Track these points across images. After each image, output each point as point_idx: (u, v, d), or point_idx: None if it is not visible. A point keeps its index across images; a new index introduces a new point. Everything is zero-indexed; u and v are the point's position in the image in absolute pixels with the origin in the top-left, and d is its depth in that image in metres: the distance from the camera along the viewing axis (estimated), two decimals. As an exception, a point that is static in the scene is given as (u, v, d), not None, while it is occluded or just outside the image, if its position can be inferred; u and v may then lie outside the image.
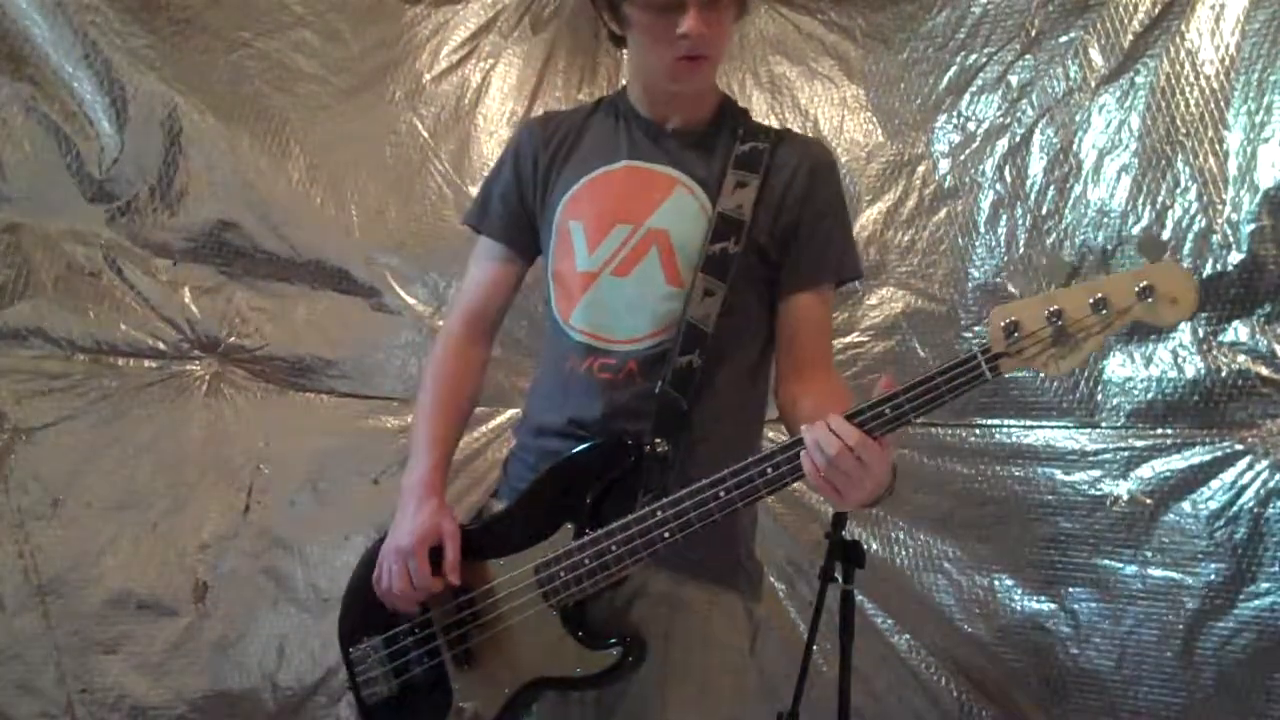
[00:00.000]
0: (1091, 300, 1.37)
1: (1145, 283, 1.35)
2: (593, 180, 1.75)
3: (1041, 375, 2.80)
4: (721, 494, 1.51)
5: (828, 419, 1.45)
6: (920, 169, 3.04)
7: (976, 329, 2.93)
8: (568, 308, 1.72)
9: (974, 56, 2.95)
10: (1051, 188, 2.82)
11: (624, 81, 1.88)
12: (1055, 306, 1.37)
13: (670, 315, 1.68)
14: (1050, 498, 2.80)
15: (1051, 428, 2.81)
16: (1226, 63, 2.55)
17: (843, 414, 1.46)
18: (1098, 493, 2.73)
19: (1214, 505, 2.58)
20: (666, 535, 1.54)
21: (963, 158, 2.97)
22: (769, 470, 1.50)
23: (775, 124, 3.24)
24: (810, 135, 1.77)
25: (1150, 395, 2.67)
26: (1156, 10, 2.64)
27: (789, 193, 1.72)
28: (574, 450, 1.66)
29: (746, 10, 1.82)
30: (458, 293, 1.90)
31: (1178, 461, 2.62)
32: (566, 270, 1.74)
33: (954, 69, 2.98)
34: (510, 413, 3.14)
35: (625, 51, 1.81)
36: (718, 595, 1.70)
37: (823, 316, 1.77)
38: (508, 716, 1.67)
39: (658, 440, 1.62)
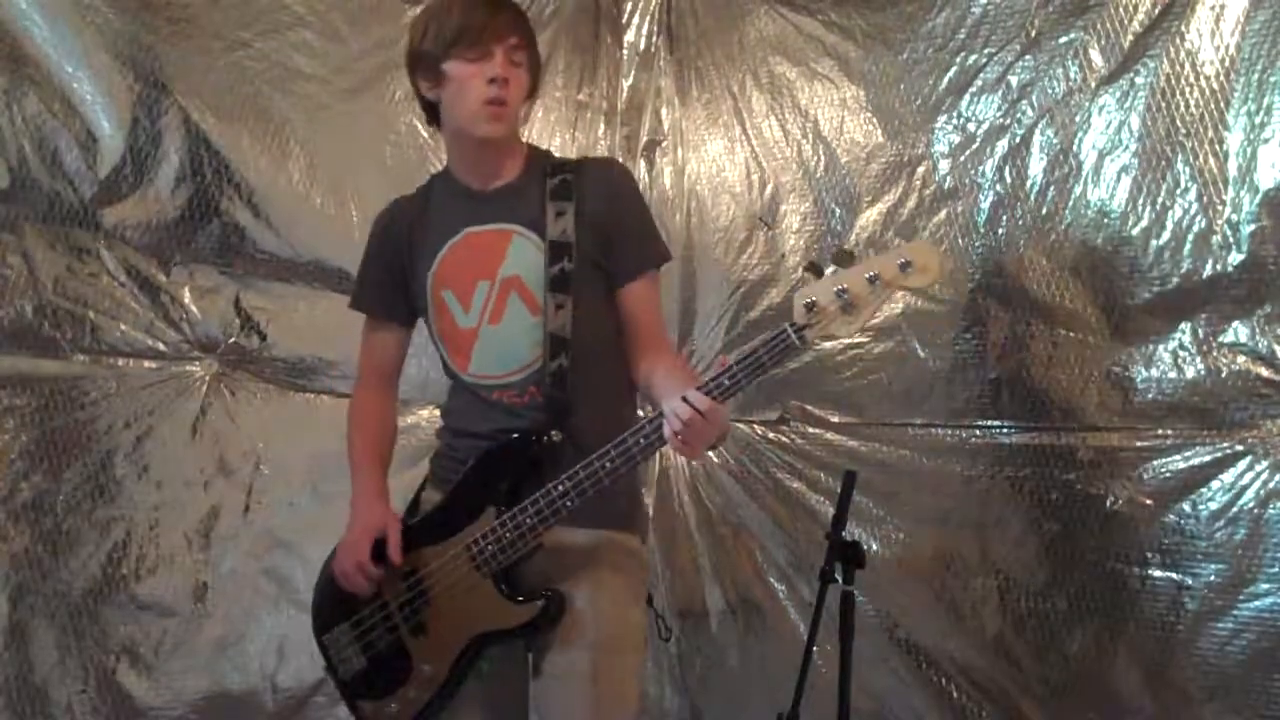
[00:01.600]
0: (868, 276, 1.76)
1: (904, 259, 1.76)
2: (447, 253, 2.10)
3: (1042, 376, 2.81)
4: (608, 464, 1.89)
5: (685, 394, 1.78)
6: (920, 170, 3.04)
7: (976, 329, 2.94)
8: (464, 362, 2.10)
9: (974, 57, 2.95)
10: (1051, 188, 2.82)
11: (444, 163, 2.21)
12: (843, 285, 1.76)
13: (539, 340, 2.05)
14: (1050, 498, 2.80)
15: (1051, 428, 2.82)
16: (1226, 63, 2.55)
17: (693, 386, 1.80)
18: (1098, 493, 2.73)
19: (1214, 506, 2.58)
20: (569, 504, 1.92)
21: (963, 158, 2.97)
22: (641, 440, 1.87)
23: (775, 126, 3.29)
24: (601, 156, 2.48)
25: (1150, 395, 2.67)
26: (1156, 11, 2.64)
27: (598, 208, 2.07)
28: (488, 450, 2.05)
29: (535, 94, 2.18)
30: (362, 356, 2.32)
31: (1178, 462, 2.62)
32: (450, 330, 2.11)
33: (954, 69, 2.98)
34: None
35: (440, 129, 2.15)
36: (614, 538, 2.09)
37: (651, 300, 2.14)
38: (458, 669, 2.03)
39: (552, 431, 2.00)
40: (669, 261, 2.26)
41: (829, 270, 1.78)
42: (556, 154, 2.22)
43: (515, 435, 2.03)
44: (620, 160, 3.70)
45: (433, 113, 2.13)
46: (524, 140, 2.20)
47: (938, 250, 1.83)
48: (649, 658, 3.60)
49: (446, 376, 2.21)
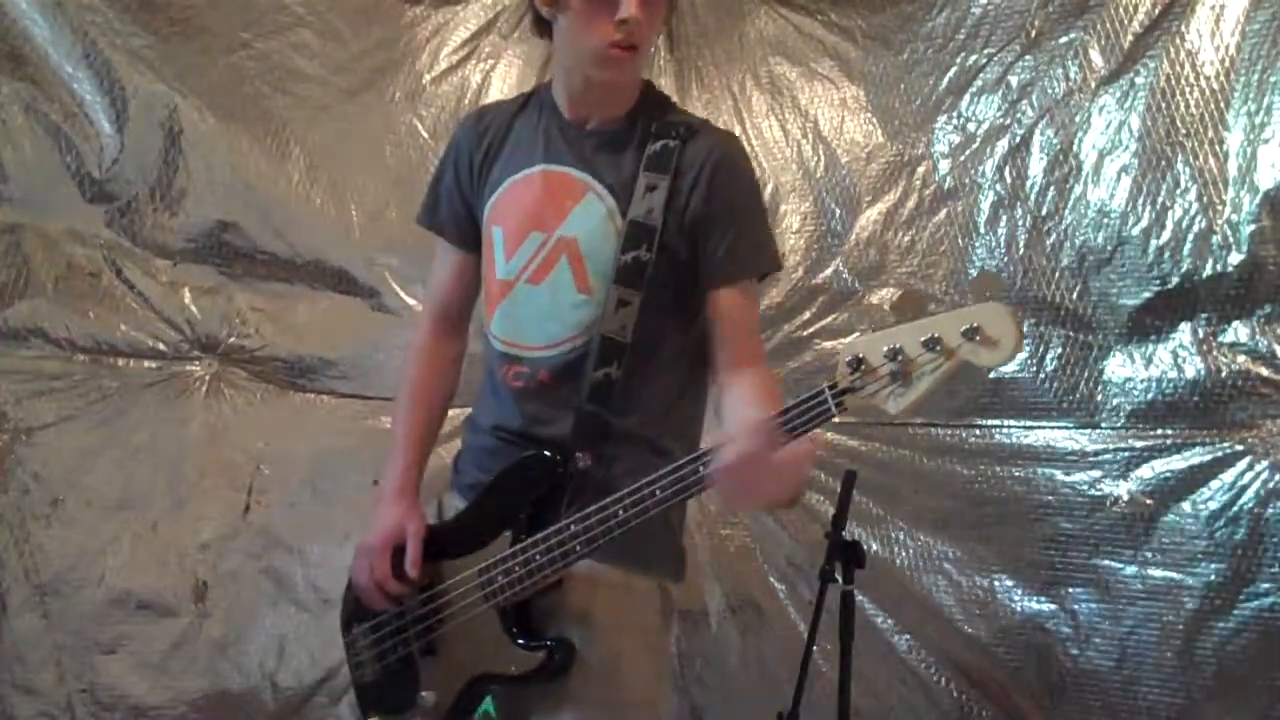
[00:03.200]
0: (925, 339, 1.36)
1: (972, 324, 1.33)
2: (513, 184, 1.77)
3: (1042, 377, 2.81)
4: (620, 513, 1.56)
5: (729, 439, 1.48)
6: (920, 169, 3.04)
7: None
8: (489, 314, 1.79)
9: (974, 57, 2.95)
10: (1051, 188, 2.82)
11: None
12: (897, 344, 1.37)
13: (579, 323, 1.70)
14: (1050, 498, 2.80)
15: (1051, 428, 2.81)
16: (1226, 63, 2.55)
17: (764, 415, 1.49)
18: (1098, 493, 2.73)
19: (1214, 505, 2.58)
20: (578, 549, 1.60)
21: (963, 158, 2.97)
22: (657, 492, 1.54)
23: (775, 126, 3.29)
24: (722, 129, 1.84)
25: (1150, 395, 2.67)
26: (1156, 11, 2.64)
27: (695, 190, 1.70)
28: (510, 464, 1.73)
29: (675, 7, 1.82)
30: (427, 287, 1.95)
31: (1178, 462, 2.62)
32: (489, 276, 1.79)
33: (954, 69, 2.98)
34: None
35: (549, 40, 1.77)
36: (631, 580, 1.74)
37: (743, 311, 1.74)
38: (461, 707, 1.74)
39: (579, 455, 1.67)
40: (777, 272, 1.94)
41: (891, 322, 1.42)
42: (666, 106, 1.81)
43: (537, 452, 1.71)
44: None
45: (543, 25, 1.75)
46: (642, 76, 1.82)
47: (1015, 318, 1.32)
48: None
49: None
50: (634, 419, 1.70)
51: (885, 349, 1.38)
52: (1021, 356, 2.86)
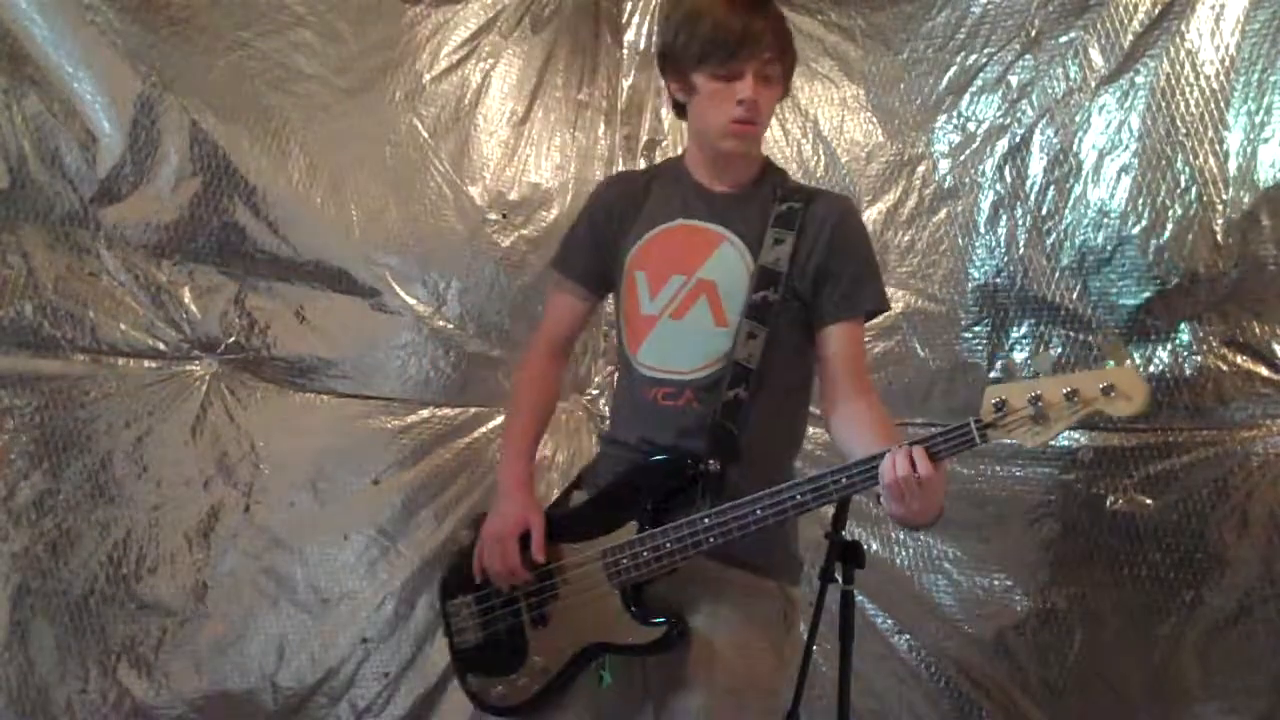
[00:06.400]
0: (1065, 391, 1.68)
1: (1108, 383, 1.66)
2: (654, 236, 2.08)
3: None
4: (758, 511, 1.85)
5: (908, 448, 1.73)
6: (920, 169, 3.04)
7: (975, 329, 2.93)
8: (636, 345, 2.07)
9: (974, 57, 2.95)
10: (1051, 188, 2.82)
11: (681, 150, 2.21)
12: (1037, 392, 1.69)
13: (718, 351, 2.00)
14: (1050, 498, 2.80)
15: (1051, 428, 2.81)
16: (1226, 63, 2.55)
17: (908, 444, 1.74)
18: (1097, 493, 2.73)
19: (1214, 505, 2.58)
20: (711, 540, 1.88)
21: (963, 158, 2.97)
22: (797, 496, 1.82)
23: (775, 125, 3.29)
24: (837, 192, 2.36)
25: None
26: (1156, 10, 2.64)
27: (819, 243, 2.01)
28: (644, 463, 2.02)
29: (788, 92, 2.12)
30: (544, 321, 2.28)
31: (1178, 462, 2.62)
32: (633, 313, 2.08)
33: (954, 69, 2.98)
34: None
35: (685, 121, 2.12)
36: (757, 583, 2.04)
37: (853, 345, 2.06)
38: (570, 670, 2.02)
39: (711, 460, 1.94)
40: (885, 313, 2.20)
41: (1024, 373, 1.72)
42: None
43: (670, 455, 1.99)
44: (620, 161, 3.70)
45: (679, 107, 2.10)
46: (761, 153, 2.16)
47: (1142, 379, 1.68)
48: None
49: (618, 369, 2.20)
50: (755, 435, 1.99)
51: (1029, 396, 1.69)
52: (1021, 356, 2.86)
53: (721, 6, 1.96)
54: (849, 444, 1.93)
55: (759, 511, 1.84)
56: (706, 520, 1.88)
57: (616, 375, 2.20)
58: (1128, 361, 1.69)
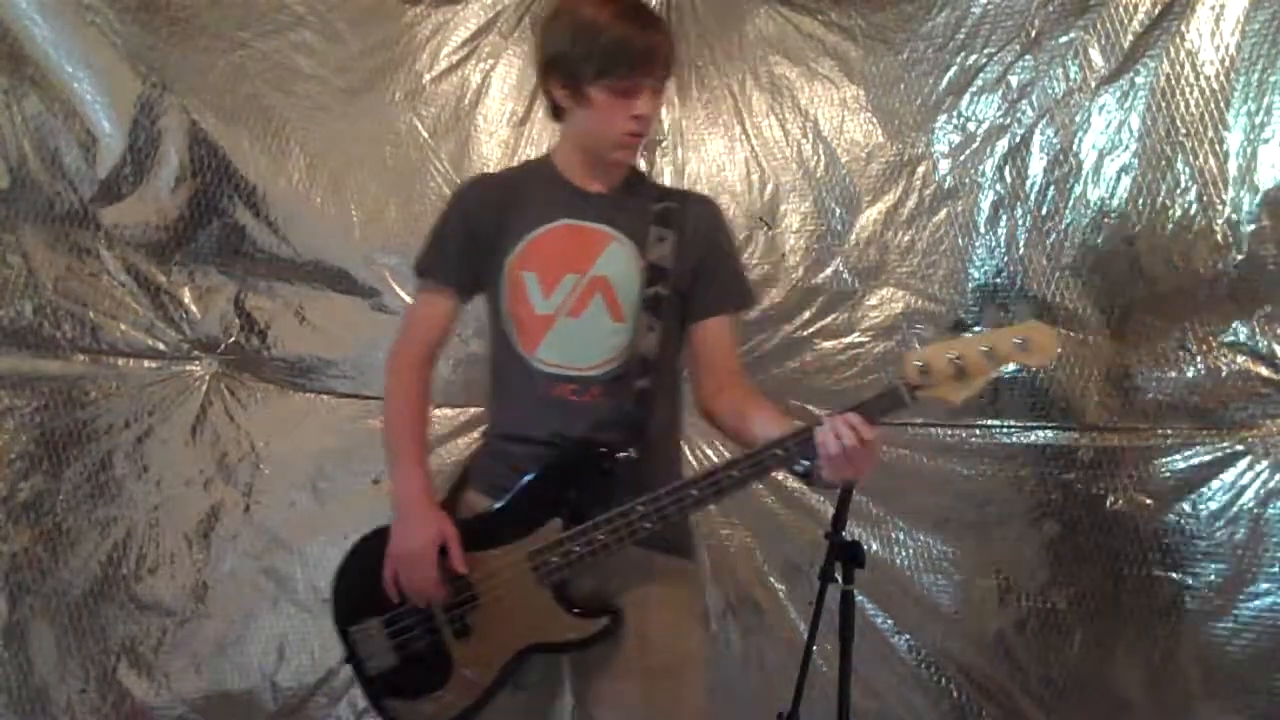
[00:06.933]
0: (982, 349, 1.79)
1: (1022, 337, 1.79)
2: (538, 237, 2.06)
3: (1041, 376, 2.81)
4: (694, 492, 1.88)
5: (845, 416, 1.79)
6: (920, 169, 3.04)
7: (976, 329, 2.94)
8: (532, 346, 2.05)
9: (974, 57, 2.95)
10: (1051, 188, 2.82)
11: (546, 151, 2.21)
12: (957, 352, 1.80)
13: (617, 346, 2.03)
14: (1050, 498, 2.80)
15: (1051, 428, 2.82)
16: (1226, 63, 2.55)
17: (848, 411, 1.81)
18: (1098, 493, 2.73)
19: (1214, 505, 2.58)
20: (648, 525, 1.89)
21: (963, 158, 2.97)
22: (734, 472, 1.86)
23: (775, 125, 3.29)
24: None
25: (1150, 395, 2.67)
26: (1156, 10, 2.64)
27: (697, 242, 2.08)
28: (560, 458, 2.00)
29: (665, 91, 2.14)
30: (413, 329, 2.19)
31: (1178, 462, 2.63)
32: (525, 313, 2.06)
33: (954, 69, 2.98)
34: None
35: (560, 122, 2.11)
36: (682, 564, 2.09)
37: (731, 337, 2.16)
38: (502, 677, 1.98)
39: (630, 449, 1.96)
40: (750, 309, 2.29)
41: (941, 339, 1.83)
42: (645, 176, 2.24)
43: (590, 448, 1.98)
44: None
45: (557, 110, 2.10)
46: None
47: (1054, 331, 1.84)
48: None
49: (493, 370, 2.15)
50: (658, 422, 2.03)
51: (949, 356, 1.79)
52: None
53: (621, 23, 1.96)
54: (748, 424, 2.00)
55: (695, 492, 1.88)
56: (640, 508, 1.89)
57: (494, 374, 2.14)
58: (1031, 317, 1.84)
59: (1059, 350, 1.85)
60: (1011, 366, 1.87)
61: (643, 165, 3.68)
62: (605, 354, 2.03)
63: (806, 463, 1.84)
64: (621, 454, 1.96)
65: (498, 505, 2.04)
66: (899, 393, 1.81)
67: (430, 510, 2.01)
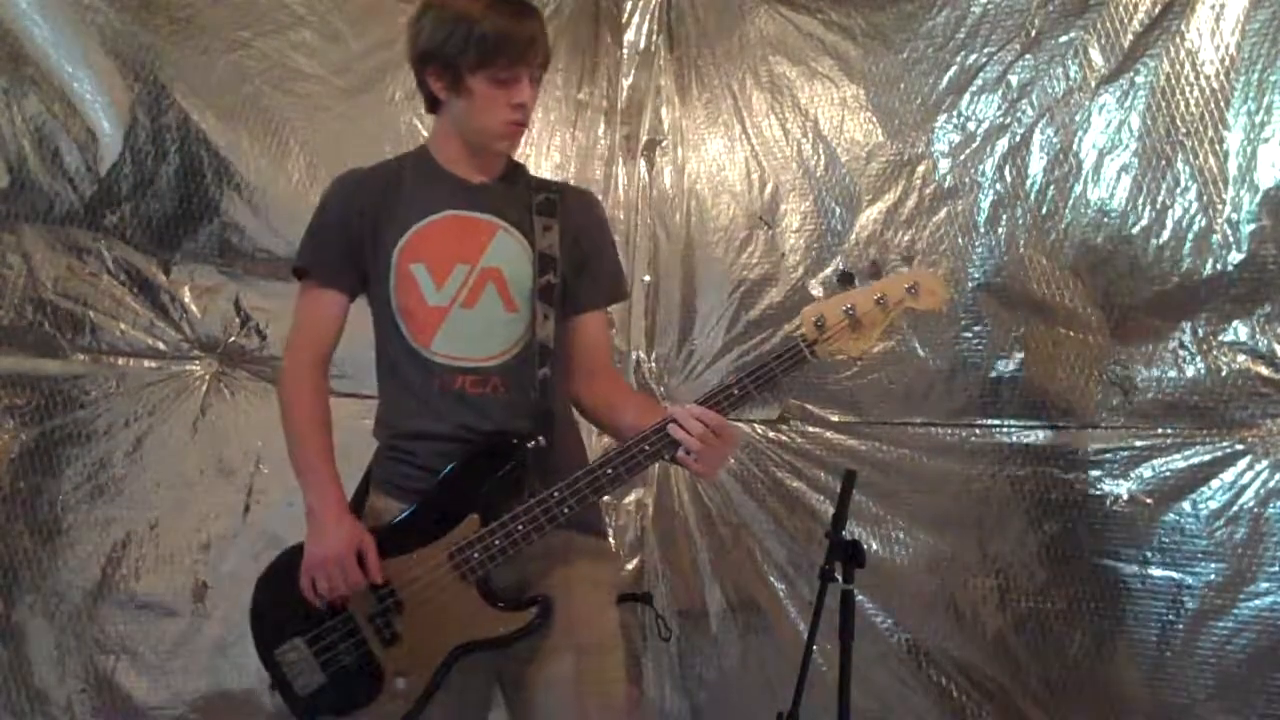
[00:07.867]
0: (876, 298, 1.83)
1: (912, 283, 1.84)
2: (423, 229, 2.05)
3: (1027, 374, 2.81)
4: (609, 471, 1.89)
5: (689, 406, 1.85)
6: (920, 169, 3.04)
7: (975, 329, 2.94)
8: (426, 339, 2.04)
9: (974, 56, 2.95)
10: (1051, 188, 2.82)
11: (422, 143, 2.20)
12: (851, 304, 1.83)
13: (513, 336, 2.05)
14: (1050, 497, 2.80)
15: (1051, 427, 2.81)
16: (1226, 63, 2.55)
17: (700, 400, 1.87)
18: (1098, 493, 2.73)
19: (1214, 505, 2.58)
20: (567, 510, 1.91)
21: (963, 158, 2.97)
22: (646, 446, 1.88)
23: (775, 125, 3.29)
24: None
25: (1150, 395, 2.67)
26: (1156, 10, 2.64)
27: (579, 233, 2.12)
28: (471, 452, 1.99)
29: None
30: (303, 330, 2.18)
31: (1178, 461, 2.62)
32: (416, 306, 2.05)
33: (954, 69, 2.98)
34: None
35: (437, 115, 2.13)
36: (599, 543, 2.15)
37: (606, 331, 2.23)
38: (438, 679, 1.96)
39: (540, 438, 1.98)
40: (623, 301, 2.42)
41: (836, 292, 1.86)
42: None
43: (502, 439, 1.99)
44: (620, 160, 3.71)
45: (434, 102, 2.12)
46: None
47: (941, 278, 1.95)
48: (649, 658, 3.61)
49: (383, 367, 2.13)
50: (559, 408, 2.08)
51: (844, 308, 1.83)
52: (1020, 356, 2.86)
53: (497, 14, 1.97)
54: (617, 414, 2.09)
55: (611, 471, 1.89)
56: (557, 494, 1.90)
57: (386, 372, 2.12)
58: (920, 248, 1.92)
59: (950, 296, 1.87)
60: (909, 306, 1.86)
61: (643, 166, 3.69)
62: (502, 344, 2.04)
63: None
64: (531, 443, 1.97)
65: (411, 507, 2.03)
66: (798, 349, 1.85)
67: (345, 517, 2.00)
